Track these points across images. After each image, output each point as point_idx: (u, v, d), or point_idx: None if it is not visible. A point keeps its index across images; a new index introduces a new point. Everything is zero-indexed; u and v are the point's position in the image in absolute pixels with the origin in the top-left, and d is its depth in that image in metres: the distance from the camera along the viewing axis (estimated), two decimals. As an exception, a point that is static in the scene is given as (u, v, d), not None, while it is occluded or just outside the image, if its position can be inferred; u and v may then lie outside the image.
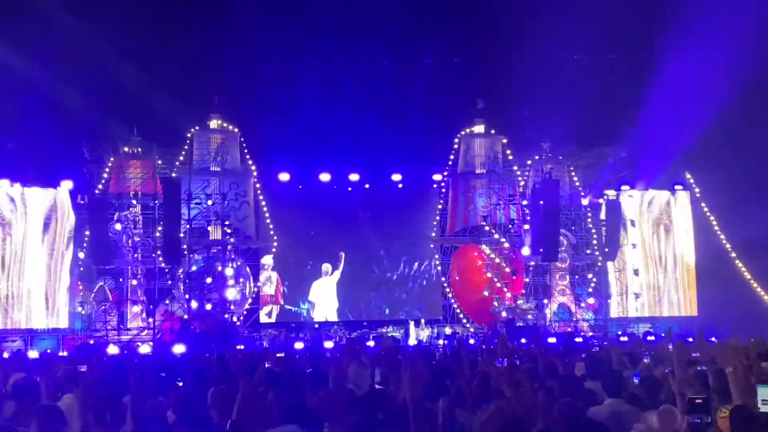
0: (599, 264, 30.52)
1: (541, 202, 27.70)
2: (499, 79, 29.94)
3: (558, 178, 28.87)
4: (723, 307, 26.71)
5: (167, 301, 27.51)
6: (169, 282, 27.64)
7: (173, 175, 27.40)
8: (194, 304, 26.65)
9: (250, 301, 29.43)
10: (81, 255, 27.09)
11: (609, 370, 8.43)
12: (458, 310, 30.56)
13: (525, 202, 30.00)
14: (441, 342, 25.46)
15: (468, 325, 29.87)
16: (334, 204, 29.85)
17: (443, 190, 31.26)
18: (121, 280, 27.57)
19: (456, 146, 30.99)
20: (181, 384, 9.37)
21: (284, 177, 29.80)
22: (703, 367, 8.09)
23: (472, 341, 24.44)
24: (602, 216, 30.41)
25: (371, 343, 24.39)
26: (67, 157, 27.16)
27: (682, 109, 25.55)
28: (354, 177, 30.29)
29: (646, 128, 27.75)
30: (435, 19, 30.05)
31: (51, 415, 6.01)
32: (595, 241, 30.46)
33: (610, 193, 30.51)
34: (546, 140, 29.88)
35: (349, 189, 30.42)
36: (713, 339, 15.49)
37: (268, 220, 29.70)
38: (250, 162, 29.65)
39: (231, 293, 27.59)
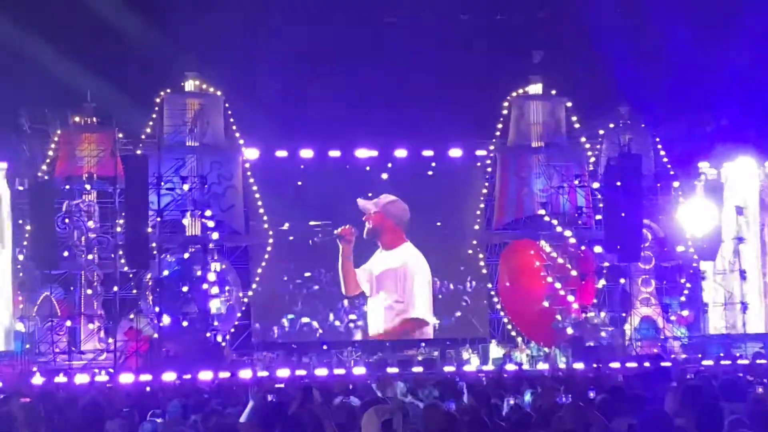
0: (695, 264, 30.27)
1: (618, 184, 27.47)
2: (561, 26, 29.83)
3: (640, 153, 28.56)
4: None
5: (132, 316, 27.49)
6: (135, 291, 27.65)
7: (138, 152, 27.38)
8: (166, 320, 26.65)
9: (239, 315, 29.38)
10: (20, 257, 27.17)
11: (706, 402, 8.33)
12: (510, 326, 30.38)
13: (596, 185, 29.79)
14: None
15: (522, 346, 29.69)
16: (346, 189, 29.88)
17: (489, 169, 31.07)
18: (72, 288, 27.63)
19: (506, 112, 30.79)
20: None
21: (281, 154, 29.75)
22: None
23: None
24: (698, 201, 30.12)
25: (395, 370, 24.50)
26: (1, 130, 27.28)
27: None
28: (371, 154, 30.25)
29: (754, 87, 27.46)
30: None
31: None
32: (689, 235, 30.19)
33: (709, 172, 30.22)
34: (624, 103, 29.69)
35: (367, 169, 30.40)
36: None
37: (261, 210, 29.65)
38: (238, 135, 29.59)
39: (214, 305, 27.61)
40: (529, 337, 29.97)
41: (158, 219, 27.11)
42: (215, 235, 28.05)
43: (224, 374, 23.52)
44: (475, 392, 12.32)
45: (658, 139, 30.55)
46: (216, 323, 27.64)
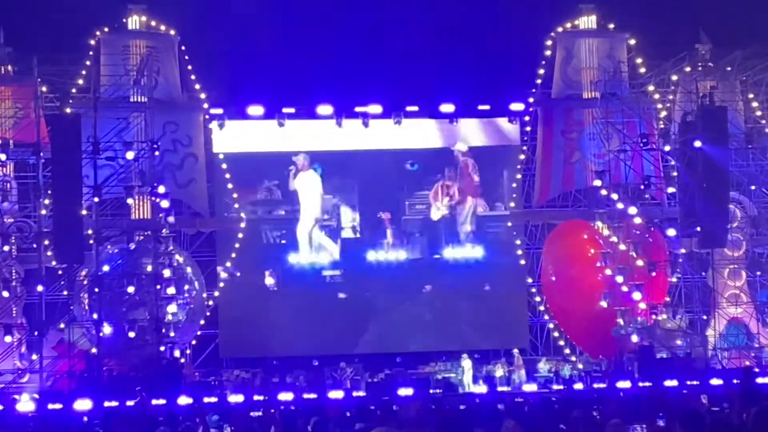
0: (798, 251, 30.28)
1: (698, 145, 27.33)
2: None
3: (725, 105, 28.44)
4: None
5: (62, 326, 27.51)
6: (66, 293, 27.73)
7: (68, 110, 27.35)
8: (107, 330, 26.68)
9: (202, 322, 29.58)
10: None
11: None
12: (556, 333, 30.63)
13: (668, 148, 29.74)
14: None
15: (574, 359, 29.69)
16: (342, 156, 30.01)
17: (528, 128, 31.18)
18: (-17, 289, 27.73)
19: (549, 53, 30.90)
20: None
21: (255, 111, 29.87)
22: None
23: None
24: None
25: (408, 391, 24.46)
26: None
27: None
28: (373, 110, 30.26)
29: None
30: None
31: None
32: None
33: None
34: (704, 38, 29.60)
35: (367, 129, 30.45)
36: None
37: (230, 186, 29.93)
38: (198, 87, 29.80)
39: (170, 310, 27.74)
40: (581, 346, 30.11)
41: (95, 198, 26.84)
42: (170, 219, 28.02)
43: (184, 400, 23.44)
44: None
45: (747, 85, 30.47)
46: (172, 334, 27.71)
